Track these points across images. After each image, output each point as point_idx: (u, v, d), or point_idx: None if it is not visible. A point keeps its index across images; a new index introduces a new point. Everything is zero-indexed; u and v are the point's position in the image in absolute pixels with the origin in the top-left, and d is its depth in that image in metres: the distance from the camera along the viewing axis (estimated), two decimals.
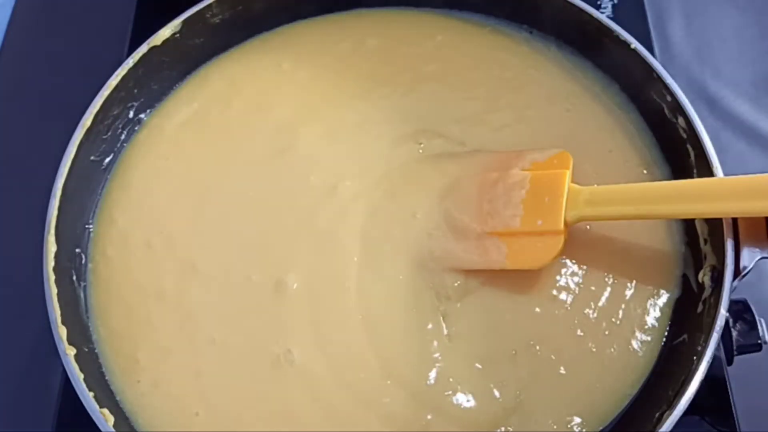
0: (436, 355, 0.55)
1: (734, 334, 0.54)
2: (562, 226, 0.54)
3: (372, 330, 0.56)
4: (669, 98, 0.59)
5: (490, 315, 0.56)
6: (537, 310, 0.56)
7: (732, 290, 0.51)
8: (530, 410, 0.53)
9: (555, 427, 0.53)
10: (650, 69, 0.60)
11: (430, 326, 0.56)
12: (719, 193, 0.51)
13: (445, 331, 0.56)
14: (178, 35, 0.65)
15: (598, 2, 0.78)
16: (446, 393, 0.54)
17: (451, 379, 0.54)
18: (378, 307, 0.57)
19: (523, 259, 0.55)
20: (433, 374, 0.54)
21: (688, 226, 0.58)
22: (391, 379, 0.54)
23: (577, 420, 0.53)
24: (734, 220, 0.52)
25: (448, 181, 0.60)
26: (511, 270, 0.56)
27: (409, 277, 0.58)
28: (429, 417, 0.53)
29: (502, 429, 0.53)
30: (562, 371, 0.54)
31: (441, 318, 0.56)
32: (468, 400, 0.54)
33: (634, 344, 0.56)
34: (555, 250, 0.54)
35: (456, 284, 0.57)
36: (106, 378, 0.56)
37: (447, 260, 0.57)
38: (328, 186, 0.61)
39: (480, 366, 0.55)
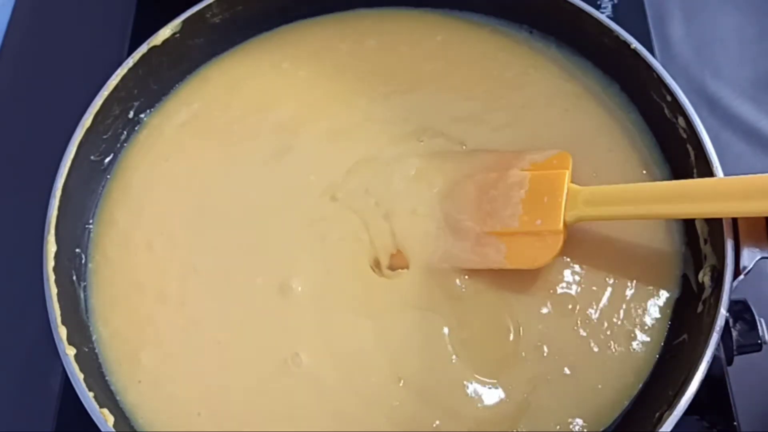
0: (446, 356, 0.55)
1: (734, 334, 0.54)
2: (561, 225, 0.54)
3: (380, 332, 0.56)
4: (669, 98, 0.59)
5: (498, 316, 0.56)
6: (543, 310, 0.56)
7: (732, 290, 0.51)
8: (536, 412, 0.53)
9: (558, 428, 0.53)
10: (650, 69, 0.60)
11: (439, 327, 0.56)
12: (719, 193, 0.51)
13: (455, 333, 0.55)
14: (178, 35, 0.65)
15: (598, 2, 0.78)
16: (456, 395, 0.54)
17: (462, 382, 0.54)
18: (386, 308, 0.57)
19: (522, 258, 0.55)
20: (443, 376, 0.54)
21: (688, 226, 0.58)
22: (401, 382, 0.54)
23: (579, 421, 0.53)
24: (734, 220, 0.52)
25: (448, 180, 0.60)
26: (513, 270, 0.56)
27: (415, 278, 0.57)
28: (438, 421, 0.53)
29: None
30: (567, 372, 0.54)
31: (450, 319, 0.56)
32: (478, 403, 0.54)
33: (635, 344, 0.56)
34: (554, 249, 0.54)
35: (462, 285, 0.57)
36: (106, 378, 0.56)
37: (447, 259, 0.57)
38: (328, 185, 0.61)
39: (490, 368, 0.55)
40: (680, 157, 0.59)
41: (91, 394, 0.51)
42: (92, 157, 0.62)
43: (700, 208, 0.51)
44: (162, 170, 0.64)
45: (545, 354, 0.55)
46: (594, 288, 0.57)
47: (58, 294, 0.54)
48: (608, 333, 0.56)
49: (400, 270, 0.58)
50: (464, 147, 0.63)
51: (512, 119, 0.64)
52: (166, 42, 0.64)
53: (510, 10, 0.68)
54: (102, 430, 0.50)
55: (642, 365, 0.55)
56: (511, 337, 0.55)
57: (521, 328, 0.56)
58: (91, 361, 0.55)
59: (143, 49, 0.63)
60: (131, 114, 0.65)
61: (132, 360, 0.56)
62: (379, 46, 0.68)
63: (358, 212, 0.60)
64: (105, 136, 0.63)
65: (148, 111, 0.67)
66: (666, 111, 0.60)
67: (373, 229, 0.59)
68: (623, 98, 0.64)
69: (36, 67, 0.84)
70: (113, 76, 0.62)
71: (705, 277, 0.55)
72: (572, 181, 0.56)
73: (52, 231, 0.56)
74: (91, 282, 0.60)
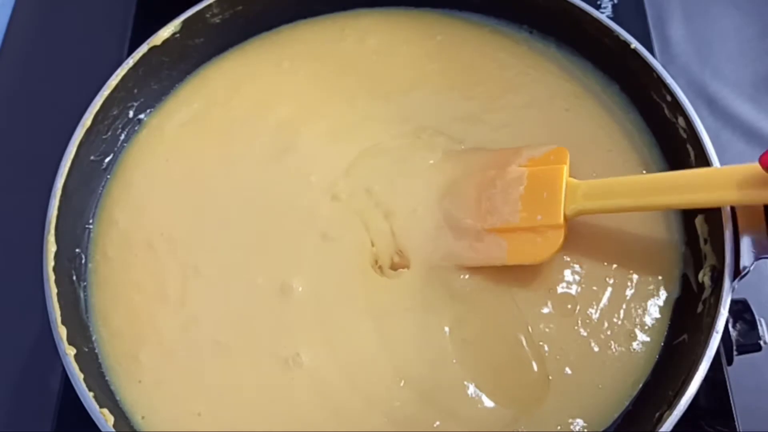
0: (447, 357, 0.55)
1: (734, 334, 0.54)
2: (561, 220, 0.54)
3: (382, 332, 0.56)
4: (669, 98, 0.59)
5: (499, 316, 0.56)
6: (544, 310, 0.56)
7: (732, 290, 0.51)
8: (537, 412, 0.53)
9: (558, 428, 0.53)
10: (650, 69, 0.60)
11: (441, 328, 0.56)
12: (716, 182, 0.50)
13: (456, 333, 0.55)
14: (178, 35, 0.65)
15: (598, 2, 0.78)
16: (457, 396, 0.54)
17: (463, 382, 0.54)
18: (387, 308, 0.57)
19: (523, 254, 0.56)
20: (444, 377, 0.54)
21: (688, 226, 0.58)
22: (402, 382, 0.54)
23: (580, 422, 0.53)
24: (734, 220, 0.52)
25: (447, 179, 0.60)
26: (514, 270, 0.56)
27: (416, 278, 0.57)
28: (438, 422, 0.53)
29: None
30: (567, 372, 0.54)
31: (452, 319, 0.56)
32: (479, 404, 0.54)
33: (635, 344, 0.56)
34: (555, 244, 0.55)
35: (463, 285, 0.57)
36: (106, 378, 0.56)
37: (449, 258, 0.57)
38: (328, 185, 0.61)
39: (491, 368, 0.55)
40: (680, 157, 0.59)
41: (91, 394, 0.51)
42: (92, 157, 0.62)
43: (698, 198, 0.51)
44: (162, 170, 0.64)
45: (546, 354, 0.55)
46: (594, 288, 0.57)
47: (58, 294, 0.54)
48: (608, 333, 0.56)
49: (401, 270, 0.58)
50: (464, 146, 0.63)
51: (512, 119, 0.64)
52: (166, 42, 0.64)
53: (510, 10, 0.68)
54: (102, 430, 0.50)
55: (642, 365, 0.55)
56: (514, 337, 0.55)
57: (522, 328, 0.56)
58: (91, 361, 0.55)
59: (143, 49, 0.63)
60: (131, 114, 0.65)
61: (132, 360, 0.56)
62: (379, 46, 0.68)
63: (359, 212, 0.60)
64: (105, 136, 0.63)
65: (148, 111, 0.67)
66: (666, 111, 0.60)
67: (373, 230, 0.59)
68: (623, 98, 0.64)
69: (36, 67, 0.84)
70: (113, 76, 0.62)
71: (705, 277, 0.55)
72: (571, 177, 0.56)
73: (52, 231, 0.56)
74: (91, 282, 0.60)
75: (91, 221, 0.62)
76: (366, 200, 0.60)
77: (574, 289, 0.57)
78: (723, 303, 0.51)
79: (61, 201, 0.57)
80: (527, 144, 0.61)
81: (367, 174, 0.62)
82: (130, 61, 0.63)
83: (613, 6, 0.78)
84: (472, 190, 0.59)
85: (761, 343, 0.54)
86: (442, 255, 0.58)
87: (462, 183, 0.60)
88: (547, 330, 0.56)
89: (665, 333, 0.56)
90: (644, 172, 0.61)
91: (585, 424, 0.53)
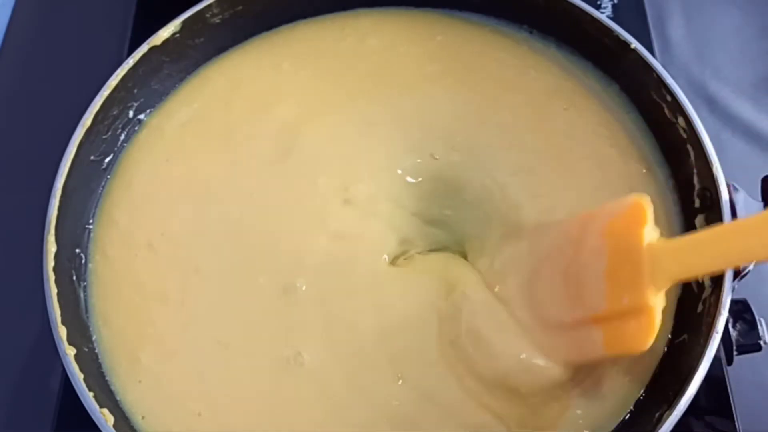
0: (447, 356, 0.55)
1: (734, 334, 0.54)
2: (647, 299, 0.45)
3: (382, 331, 0.56)
4: (669, 98, 0.59)
5: (500, 315, 0.55)
6: None
7: (732, 290, 0.51)
8: (538, 413, 0.53)
9: (559, 428, 0.53)
10: (650, 69, 0.60)
11: (440, 327, 0.56)
12: None
13: (456, 332, 0.55)
14: (178, 35, 0.65)
15: (598, 2, 0.78)
16: (456, 395, 0.54)
17: (462, 381, 0.54)
18: (388, 308, 0.57)
19: (621, 344, 0.48)
20: (443, 375, 0.54)
21: (688, 226, 0.58)
22: (400, 381, 0.54)
23: (580, 422, 0.53)
24: (733, 218, 0.52)
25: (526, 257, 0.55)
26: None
27: (418, 278, 0.58)
28: (437, 421, 0.53)
29: None
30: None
31: (454, 321, 0.56)
32: (480, 404, 0.54)
33: None
34: (649, 330, 0.46)
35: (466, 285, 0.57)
36: (106, 378, 0.56)
37: (541, 356, 0.52)
38: (334, 187, 0.61)
39: (491, 368, 0.54)
40: (680, 157, 0.59)
41: (91, 394, 0.51)
42: (92, 157, 0.62)
43: None
44: (162, 170, 0.64)
45: (546, 354, 0.55)
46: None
47: (58, 294, 0.54)
48: None
49: (411, 273, 0.58)
50: (464, 145, 0.62)
51: (512, 119, 0.64)
52: (166, 42, 0.64)
53: (510, 10, 0.68)
54: (102, 430, 0.50)
55: (642, 365, 0.55)
56: (513, 337, 0.55)
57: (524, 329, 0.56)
58: (91, 361, 0.55)
59: (143, 49, 0.63)
60: (131, 114, 0.65)
61: (132, 360, 0.56)
62: (379, 46, 0.68)
63: (375, 217, 0.60)
64: (105, 136, 0.63)
65: (148, 111, 0.67)
66: (666, 111, 0.60)
67: (397, 234, 0.60)
68: (623, 98, 0.64)
69: (36, 67, 0.85)
70: (113, 76, 0.62)
71: (705, 277, 0.55)
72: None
73: (52, 231, 0.56)
74: (91, 282, 0.60)
75: (91, 221, 0.62)
76: (385, 205, 0.61)
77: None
78: (723, 303, 0.51)
79: (61, 201, 0.57)
80: (526, 144, 0.60)
81: (376, 176, 0.61)
82: (130, 61, 0.62)
83: (613, 6, 0.78)
84: (554, 277, 0.51)
85: (761, 343, 0.54)
86: (532, 355, 0.52)
87: (541, 270, 0.53)
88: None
89: (665, 333, 0.56)
90: (644, 171, 0.61)
91: (585, 425, 0.53)
